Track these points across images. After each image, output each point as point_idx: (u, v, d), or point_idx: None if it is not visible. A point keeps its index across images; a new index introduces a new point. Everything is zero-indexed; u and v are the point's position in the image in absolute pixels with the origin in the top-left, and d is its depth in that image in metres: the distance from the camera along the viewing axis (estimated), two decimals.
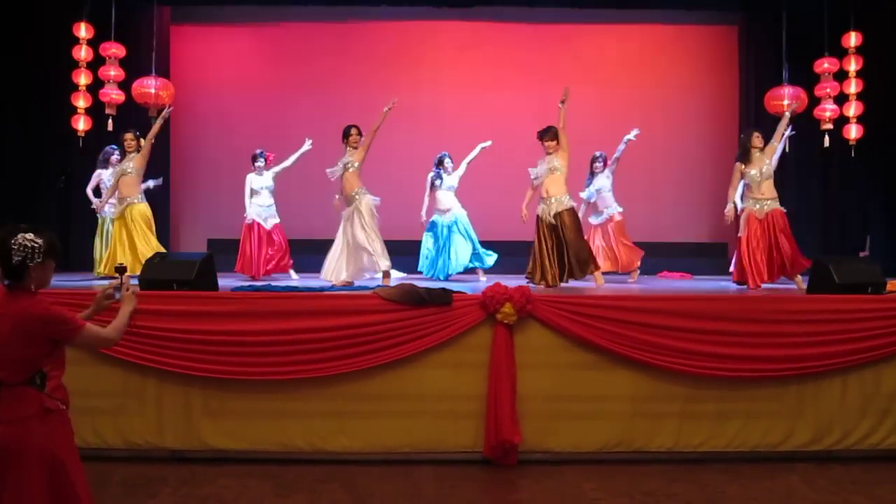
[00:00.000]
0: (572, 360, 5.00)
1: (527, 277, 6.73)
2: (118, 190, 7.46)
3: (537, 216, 6.86)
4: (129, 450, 4.96)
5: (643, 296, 5.54)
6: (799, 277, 6.78)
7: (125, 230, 7.28)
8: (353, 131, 7.31)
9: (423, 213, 8.60)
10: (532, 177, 6.99)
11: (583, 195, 8.49)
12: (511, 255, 8.54)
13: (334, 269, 7.03)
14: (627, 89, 10.63)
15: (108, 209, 7.74)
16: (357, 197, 7.08)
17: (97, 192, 8.42)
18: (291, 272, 8.54)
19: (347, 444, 4.96)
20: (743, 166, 6.84)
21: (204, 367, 4.90)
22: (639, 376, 5.00)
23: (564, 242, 6.67)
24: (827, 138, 9.30)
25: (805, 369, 5.03)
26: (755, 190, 6.79)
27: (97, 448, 4.93)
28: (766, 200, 6.80)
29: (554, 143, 6.87)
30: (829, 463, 4.96)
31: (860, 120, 9.19)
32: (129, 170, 7.41)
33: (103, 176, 8.32)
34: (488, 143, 8.45)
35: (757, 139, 6.89)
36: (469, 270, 8.44)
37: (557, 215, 6.71)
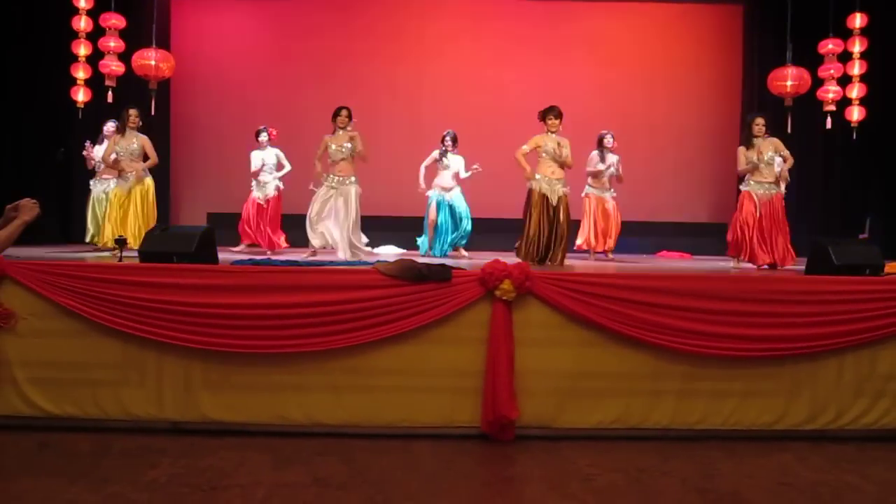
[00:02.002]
0: (571, 337, 5.01)
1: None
2: (122, 166, 7.46)
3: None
4: (129, 421, 4.98)
5: (642, 274, 5.55)
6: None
7: (132, 205, 7.34)
8: (344, 113, 7.24)
9: (423, 182, 8.60)
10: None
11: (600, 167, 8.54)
12: (512, 231, 8.56)
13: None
14: (630, 67, 10.60)
15: (123, 181, 7.60)
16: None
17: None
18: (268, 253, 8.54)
19: (345, 417, 4.99)
20: (746, 150, 6.91)
21: (203, 339, 4.91)
22: (637, 354, 5.02)
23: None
24: (829, 120, 9.28)
25: (802, 349, 5.05)
26: (757, 173, 6.86)
27: (97, 419, 4.97)
28: (768, 184, 6.85)
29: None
30: (823, 442, 5.00)
31: (863, 102, 9.18)
32: (134, 148, 7.43)
33: (98, 152, 8.37)
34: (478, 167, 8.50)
35: (757, 126, 6.91)
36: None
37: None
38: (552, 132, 6.95)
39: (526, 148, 6.98)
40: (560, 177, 6.90)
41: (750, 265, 7.04)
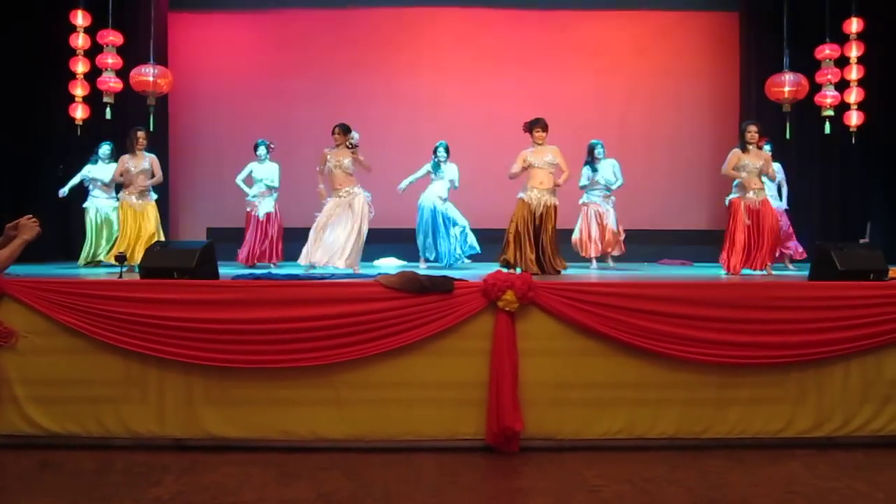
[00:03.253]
0: (574, 347, 4.99)
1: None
2: (134, 184, 7.65)
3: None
4: (131, 438, 4.95)
5: (645, 283, 5.52)
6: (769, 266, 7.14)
7: (144, 222, 7.56)
8: (338, 129, 7.41)
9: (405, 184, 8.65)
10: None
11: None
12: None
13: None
14: (628, 76, 10.61)
15: (133, 199, 7.74)
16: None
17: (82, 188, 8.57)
18: (272, 266, 8.52)
19: (349, 431, 4.95)
20: (740, 153, 7.03)
21: (205, 355, 4.89)
22: (641, 363, 5.00)
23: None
24: (828, 125, 9.28)
25: (807, 356, 5.02)
26: (748, 181, 6.98)
27: (99, 437, 4.94)
28: (758, 190, 7.09)
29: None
30: (831, 449, 4.97)
31: (861, 106, 9.17)
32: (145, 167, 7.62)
33: (92, 172, 8.49)
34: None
35: (750, 133, 7.14)
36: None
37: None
38: (539, 144, 7.05)
39: (516, 168, 7.09)
40: (548, 187, 7.00)
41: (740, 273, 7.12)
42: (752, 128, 7.18)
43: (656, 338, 4.94)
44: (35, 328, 4.95)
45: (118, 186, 8.11)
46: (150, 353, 4.90)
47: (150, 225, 7.57)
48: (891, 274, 5.51)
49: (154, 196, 7.77)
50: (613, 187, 8.70)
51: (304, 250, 7.30)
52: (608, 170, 8.71)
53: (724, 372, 5.02)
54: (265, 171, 8.75)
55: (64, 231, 9.38)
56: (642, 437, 5.00)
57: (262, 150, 8.73)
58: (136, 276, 5.61)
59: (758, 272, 7.07)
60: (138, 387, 4.97)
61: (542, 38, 10.60)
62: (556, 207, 7.04)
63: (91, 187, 8.64)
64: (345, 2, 10.46)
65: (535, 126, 7.08)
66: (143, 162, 7.68)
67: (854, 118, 9.16)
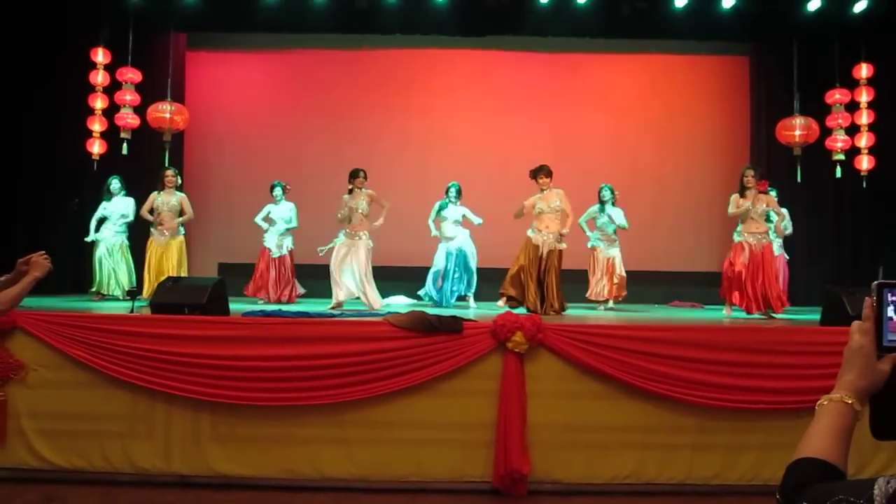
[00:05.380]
0: (583, 389, 4.95)
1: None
2: (161, 221, 7.96)
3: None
4: (136, 474, 4.93)
5: (655, 326, 5.51)
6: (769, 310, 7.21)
7: (167, 258, 7.85)
8: (361, 174, 7.77)
9: (433, 230, 8.67)
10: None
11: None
12: None
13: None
14: (638, 118, 10.66)
15: (158, 236, 8.07)
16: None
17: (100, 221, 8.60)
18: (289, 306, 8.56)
19: (355, 471, 4.92)
20: (740, 199, 7.08)
21: (213, 391, 4.89)
22: (650, 407, 4.95)
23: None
24: (839, 169, 9.29)
25: None
26: (749, 223, 7.16)
27: (104, 472, 4.93)
28: (759, 234, 7.18)
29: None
30: None
31: (871, 151, 9.19)
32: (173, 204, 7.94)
33: (108, 208, 8.52)
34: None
35: (747, 178, 7.29)
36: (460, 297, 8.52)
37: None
38: (543, 189, 7.15)
39: (518, 210, 7.27)
40: (555, 230, 7.04)
41: (741, 313, 7.15)
42: (749, 172, 7.36)
43: (665, 381, 4.90)
44: (45, 361, 4.97)
45: (144, 221, 8.16)
46: (159, 389, 4.90)
47: (171, 261, 7.78)
48: None
49: (182, 232, 8.01)
50: (608, 230, 8.70)
51: (334, 295, 7.60)
52: (612, 216, 8.74)
53: (734, 417, 4.96)
54: (282, 211, 8.81)
55: (77, 265, 9.43)
56: (651, 482, 4.93)
57: (277, 191, 8.81)
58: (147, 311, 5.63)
59: (755, 315, 7.07)
60: (145, 422, 4.97)
61: (553, 81, 10.70)
62: (561, 252, 7.11)
63: (112, 220, 8.67)
64: (359, 43, 10.60)
65: (539, 173, 7.23)
66: (172, 199, 7.90)
67: (865, 162, 9.18)
